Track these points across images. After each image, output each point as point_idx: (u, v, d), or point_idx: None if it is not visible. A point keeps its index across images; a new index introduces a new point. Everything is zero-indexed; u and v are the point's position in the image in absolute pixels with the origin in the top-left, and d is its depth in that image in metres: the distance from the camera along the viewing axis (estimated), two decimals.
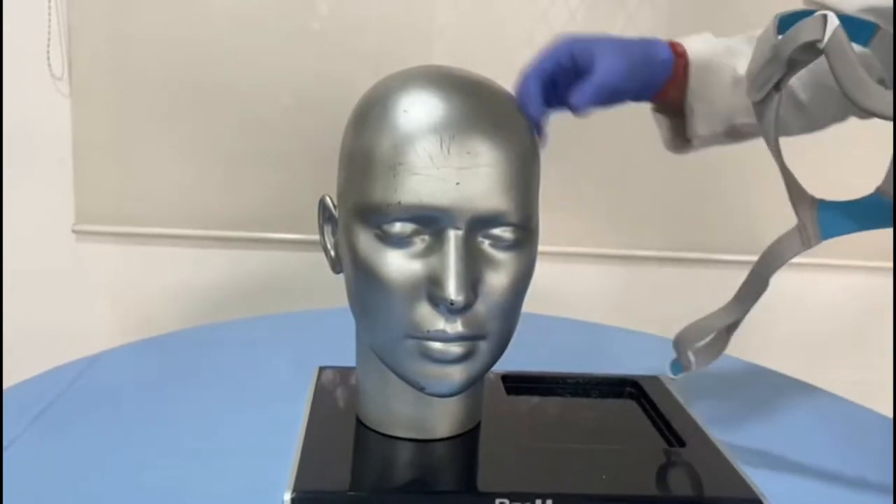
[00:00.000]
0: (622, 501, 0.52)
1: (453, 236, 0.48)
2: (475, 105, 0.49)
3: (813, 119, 0.67)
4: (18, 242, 1.45)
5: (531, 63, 0.58)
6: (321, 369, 0.69)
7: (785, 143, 0.53)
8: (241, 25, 1.38)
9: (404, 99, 0.50)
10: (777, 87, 0.49)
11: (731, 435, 0.61)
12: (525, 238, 0.51)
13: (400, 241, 0.49)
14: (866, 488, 0.63)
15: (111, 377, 0.79)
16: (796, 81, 0.64)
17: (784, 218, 0.54)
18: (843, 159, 1.28)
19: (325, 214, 0.58)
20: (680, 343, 0.59)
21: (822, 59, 0.46)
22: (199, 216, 1.46)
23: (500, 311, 0.51)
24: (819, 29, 0.44)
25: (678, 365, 0.60)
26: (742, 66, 0.63)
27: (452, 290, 0.47)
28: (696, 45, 0.63)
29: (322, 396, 0.64)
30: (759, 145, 0.55)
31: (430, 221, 0.48)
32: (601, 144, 1.42)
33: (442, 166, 0.47)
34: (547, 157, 0.55)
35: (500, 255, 0.50)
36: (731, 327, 0.58)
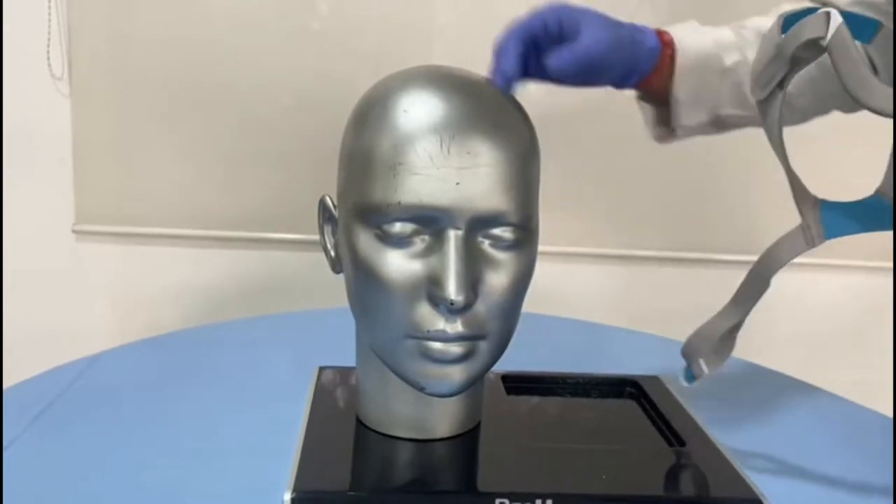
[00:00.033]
0: (622, 501, 0.52)
1: (453, 236, 0.48)
2: (475, 105, 0.49)
3: (797, 112, 0.67)
4: (18, 242, 1.45)
5: (517, 20, 0.57)
6: (321, 369, 0.69)
7: (786, 142, 0.53)
8: (241, 25, 1.38)
9: (404, 99, 0.50)
10: (781, 85, 0.49)
11: (731, 435, 0.61)
12: (525, 238, 0.51)
13: (400, 241, 0.49)
14: (866, 488, 0.63)
15: (111, 377, 0.79)
16: None
17: (784, 218, 0.54)
18: (843, 159, 1.28)
19: (325, 214, 0.58)
20: (688, 351, 0.59)
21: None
22: (199, 216, 1.46)
23: (500, 311, 0.51)
24: (822, 26, 0.44)
25: (690, 372, 0.59)
26: (729, 56, 0.63)
27: (452, 290, 0.47)
28: (684, 35, 0.63)
29: (322, 396, 0.64)
30: (760, 145, 0.55)
31: (430, 221, 0.48)
32: (601, 144, 1.42)
33: (442, 166, 0.47)
34: (547, 156, 0.55)
35: (500, 255, 0.50)
36: (735, 328, 0.58)
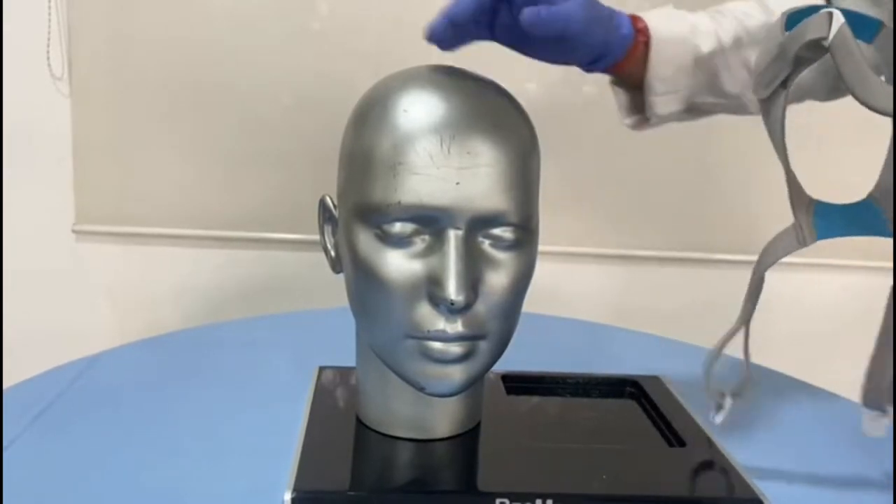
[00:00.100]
0: (622, 501, 0.52)
1: (453, 236, 0.48)
2: (475, 105, 0.49)
3: None
4: (18, 242, 1.45)
5: None
6: (321, 369, 0.69)
7: (787, 142, 0.53)
8: (241, 25, 1.38)
9: (404, 99, 0.50)
10: (784, 84, 0.49)
11: (731, 435, 0.61)
12: (525, 238, 0.51)
13: (400, 241, 0.49)
14: (866, 488, 0.63)
15: (111, 377, 0.79)
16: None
17: (784, 218, 0.54)
18: (843, 159, 1.27)
19: (325, 214, 0.58)
20: (709, 374, 0.58)
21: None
22: (199, 216, 1.46)
23: (500, 311, 0.51)
24: (824, 26, 0.44)
25: (716, 407, 0.59)
26: (705, 44, 0.62)
27: (453, 290, 0.47)
28: (659, 23, 0.62)
29: (322, 396, 0.64)
30: (760, 145, 0.55)
31: (431, 221, 0.48)
32: (601, 144, 1.42)
33: (442, 166, 0.47)
34: (547, 156, 0.55)
35: (501, 255, 0.50)
36: (745, 338, 0.58)
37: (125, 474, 0.59)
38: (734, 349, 0.58)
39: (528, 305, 0.55)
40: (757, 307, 0.55)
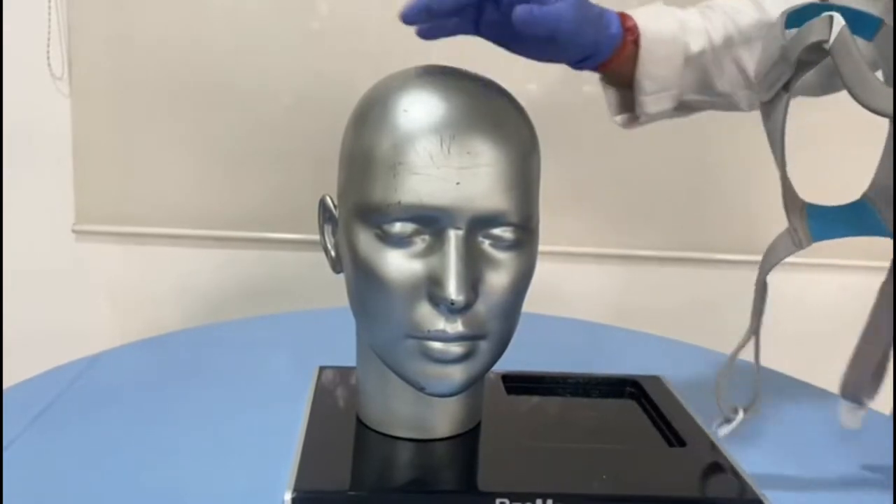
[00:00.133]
0: (622, 501, 0.52)
1: (453, 236, 0.48)
2: (475, 104, 0.49)
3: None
4: (18, 242, 1.45)
5: None
6: (321, 369, 0.69)
7: (787, 143, 0.53)
8: (241, 25, 1.38)
9: (404, 99, 0.50)
10: (786, 87, 0.49)
11: (731, 435, 0.61)
12: (525, 238, 0.51)
13: (400, 241, 0.49)
14: (866, 488, 0.63)
15: (111, 377, 0.79)
16: (748, 57, 0.63)
17: (784, 217, 0.54)
18: (841, 159, 1.27)
19: (325, 214, 0.58)
20: (720, 389, 0.58)
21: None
22: (200, 216, 1.46)
23: (500, 311, 0.51)
24: (825, 29, 0.44)
25: (724, 421, 0.59)
26: (695, 42, 0.62)
27: (453, 290, 0.47)
28: (648, 21, 0.61)
29: (322, 396, 0.64)
30: (760, 145, 0.55)
31: (431, 221, 0.48)
32: (601, 144, 1.42)
33: (442, 166, 0.47)
34: (547, 156, 0.55)
35: (501, 255, 0.50)
36: (756, 349, 0.58)
37: (125, 474, 0.59)
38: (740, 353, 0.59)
39: (528, 305, 0.55)
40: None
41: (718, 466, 0.56)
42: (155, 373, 0.80)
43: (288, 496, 0.49)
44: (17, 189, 1.43)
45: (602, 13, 0.59)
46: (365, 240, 0.50)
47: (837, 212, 0.51)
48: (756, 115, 0.61)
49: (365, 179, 0.50)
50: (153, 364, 0.83)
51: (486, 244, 0.50)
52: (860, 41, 0.45)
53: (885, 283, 0.60)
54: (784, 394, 0.84)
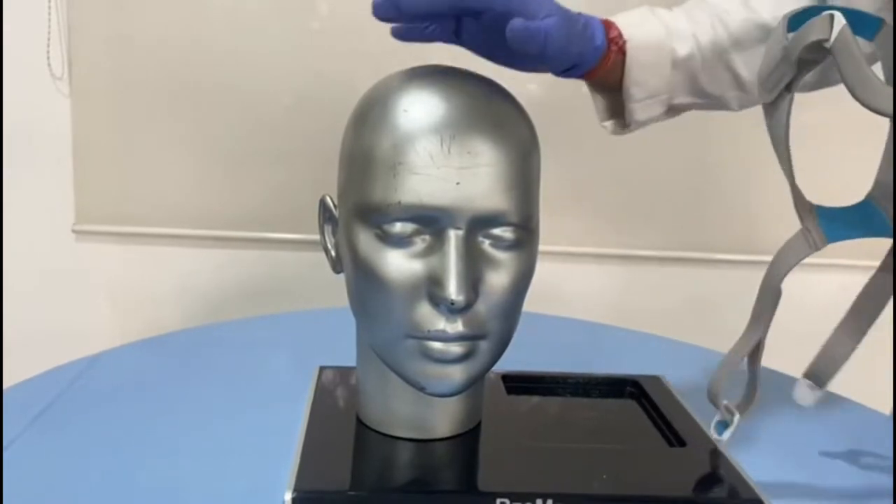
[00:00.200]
0: (622, 501, 0.52)
1: (454, 236, 0.48)
2: (475, 104, 0.49)
3: (753, 96, 0.66)
4: (18, 242, 1.45)
5: None
6: (321, 369, 0.69)
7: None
8: (241, 25, 1.38)
9: (404, 98, 0.50)
10: (788, 87, 0.49)
11: (731, 435, 0.61)
12: (525, 238, 0.51)
13: (400, 241, 0.49)
14: (866, 488, 0.63)
15: (111, 377, 0.79)
16: (738, 58, 0.63)
17: (784, 217, 0.54)
18: (841, 159, 1.28)
19: (325, 214, 0.58)
20: (714, 391, 0.58)
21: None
22: (199, 216, 1.46)
23: (500, 311, 0.51)
24: (826, 28, 0.44)
25: (721, 425, 0.59)
26: (682, 46, 0.61)
27: (453, 290, 0.47)
28: (634, 29, 0.60)
29: (322, 396, 0.64)
30: (760, 145, 0.55)
31: (431, 221, 0.48)
32: (601, 144, 1.42)
33: (442, 166, 0.47)
34: (547, 156, 0.55)
35: (501, 255, 0.50)
36: (757, 351, 0.58)
37: (125, 474, 0.59)
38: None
39: (528, 305, 0.55)
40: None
41: (719, 467, 0.56)
42: (155, 373, 0.80)
43: (288, 496, 0.49)
44: (17, 189, 1.43)
45: (587, 25, 0.58)
46: (365, 240, 0.50)
47: (845, 213, 0.51)
48: (756, 115, 0.61)
49: (365, 179, 0.50)
50: (153, 364, 0.83)
51: (486, 244, 0.50)
52: (860, 40, 0.45)
53: (870, 281, 0.60)
54: (784, 394, 0.84)
